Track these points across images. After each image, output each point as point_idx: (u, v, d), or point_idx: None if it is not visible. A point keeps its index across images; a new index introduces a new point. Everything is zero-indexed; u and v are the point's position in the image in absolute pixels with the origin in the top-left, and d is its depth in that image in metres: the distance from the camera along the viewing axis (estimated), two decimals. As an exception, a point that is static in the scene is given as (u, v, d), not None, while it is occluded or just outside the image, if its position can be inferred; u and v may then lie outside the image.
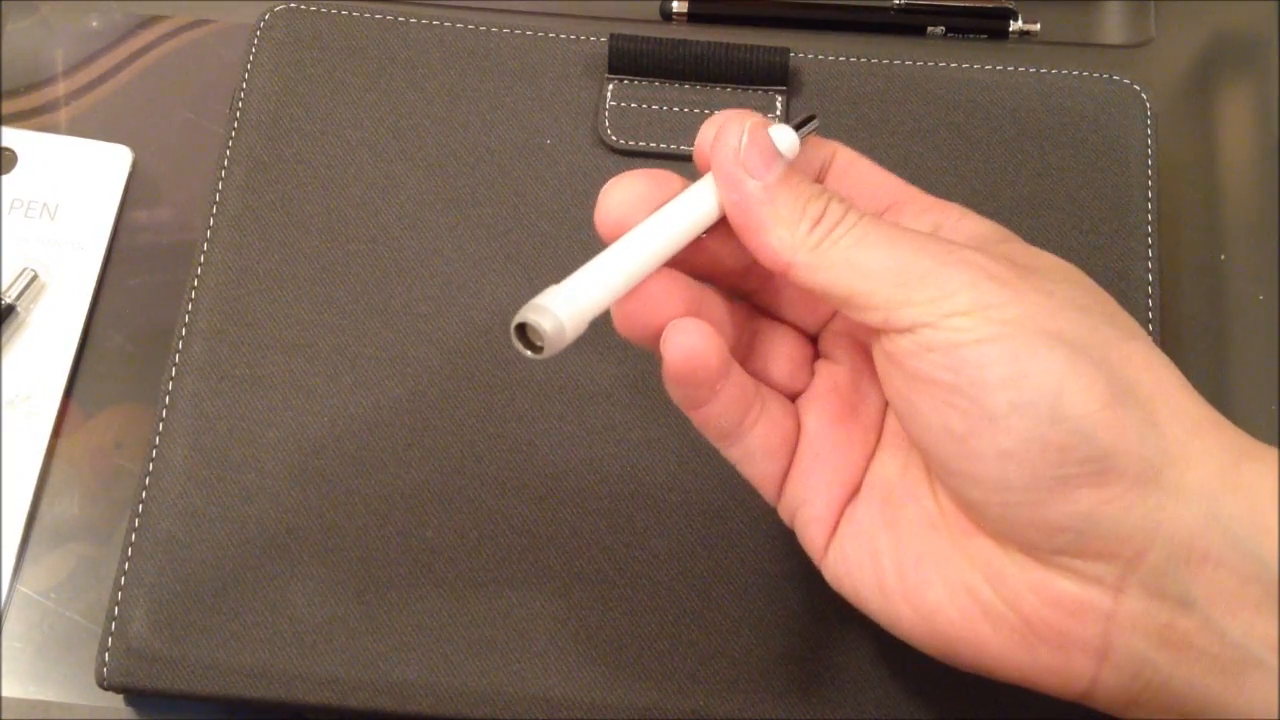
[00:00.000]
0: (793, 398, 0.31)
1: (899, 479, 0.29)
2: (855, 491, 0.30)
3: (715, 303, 0.30)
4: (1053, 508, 0.26)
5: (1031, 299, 0.26)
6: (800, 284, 0.27)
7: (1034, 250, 0.29)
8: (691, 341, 0.27)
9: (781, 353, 0.31)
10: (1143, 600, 0.26)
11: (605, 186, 0.28)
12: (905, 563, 0.29)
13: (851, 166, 0.30)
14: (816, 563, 0.30)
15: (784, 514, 0.31)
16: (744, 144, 0.27)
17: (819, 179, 0.30)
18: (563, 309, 0.26)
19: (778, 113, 0.40)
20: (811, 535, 0.30)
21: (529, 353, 0.26)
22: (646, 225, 0.28)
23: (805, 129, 0.30)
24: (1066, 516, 0.26)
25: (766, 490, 0.30)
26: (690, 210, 0.28)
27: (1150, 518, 0.26)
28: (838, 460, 0.30)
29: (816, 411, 0.30)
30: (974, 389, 0.26)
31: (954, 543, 0.28)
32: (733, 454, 0.30)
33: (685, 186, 0.29)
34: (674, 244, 0.28)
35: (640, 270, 0.27)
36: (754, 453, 0.30)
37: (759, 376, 0.30)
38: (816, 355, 0.31)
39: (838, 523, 0.30)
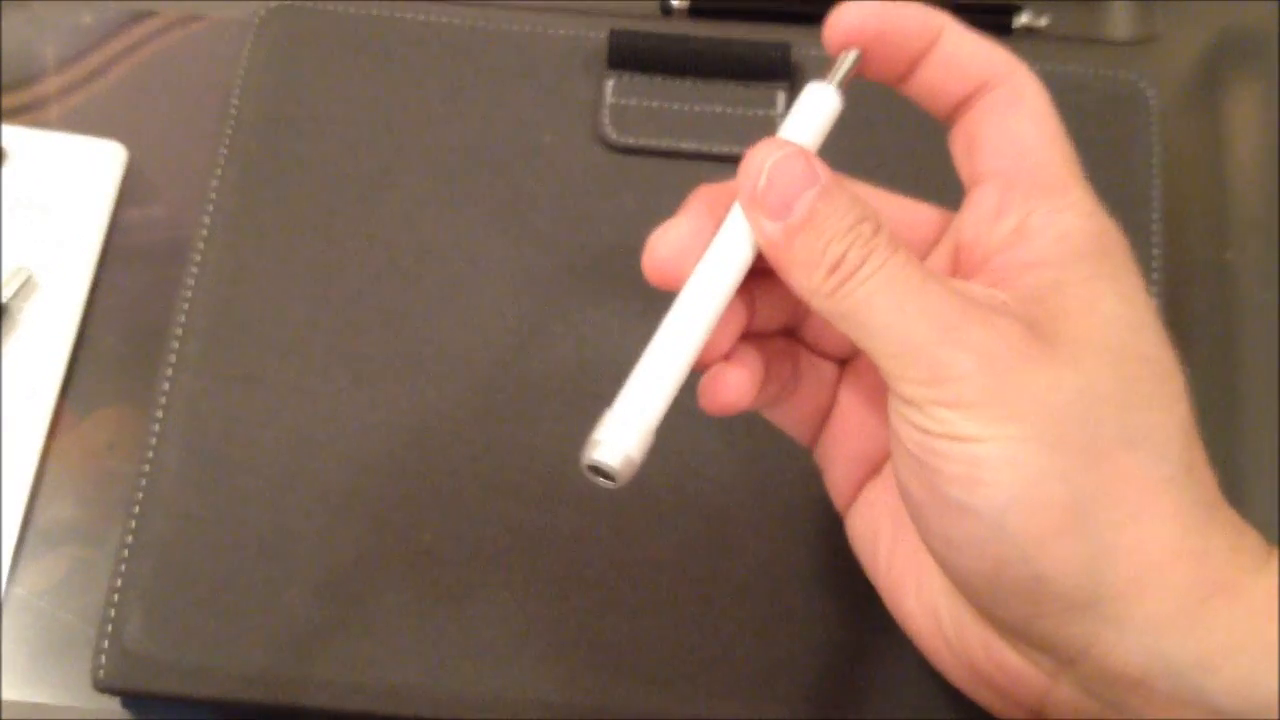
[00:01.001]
0: (844, 361, 0.31)
1: None
2: (877, 470, 0.30)
3: (767, 292, 0.29)
4: (987, 601, 0.26)
5: (1030, 394, 0.24)
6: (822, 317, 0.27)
7: (1101, 287, 0.26)
8: (729, 398, 0.28)
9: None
10: (1075, 692, 0.26)
11: (650, 241, 0.27)
12: (895, 560, 0.29)
13: (1006, 108, 0.28)
14: (841, 515, 0.32)
15: (816, 464, 0.32)
16: (760, 187, 0.26)
17: (957, 92, 0.28)
18: (626, 440, 0.26)
19: (778, 110, 0.40)
20: (834, 496, 0.31)
21: (605, 483, 0.26)
22: (685, 307, 0.27)
23: (844, 72, 0.28)
24: (1000, 612, 0.26)
25: (800, 442, 0.32)
26: (728, 263, 0.27)
27: (1080, 639, 0.25)
28: (862, 438, 0.30)
29: (853, 387, 0.30)
30: (933, 475, 0.25)
31: (937, 568, 0.28)
32: (765, 415, 0.31)
33: (725, 214, 0.28)
34: (720, 309, 0.27)
35: (690, 360, 0.27)
36: (785, 420, 0.31)
37: (810, 343, 0.31)
38: None
39: (856, 495, 0.31)
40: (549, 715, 0.33)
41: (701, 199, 0.28)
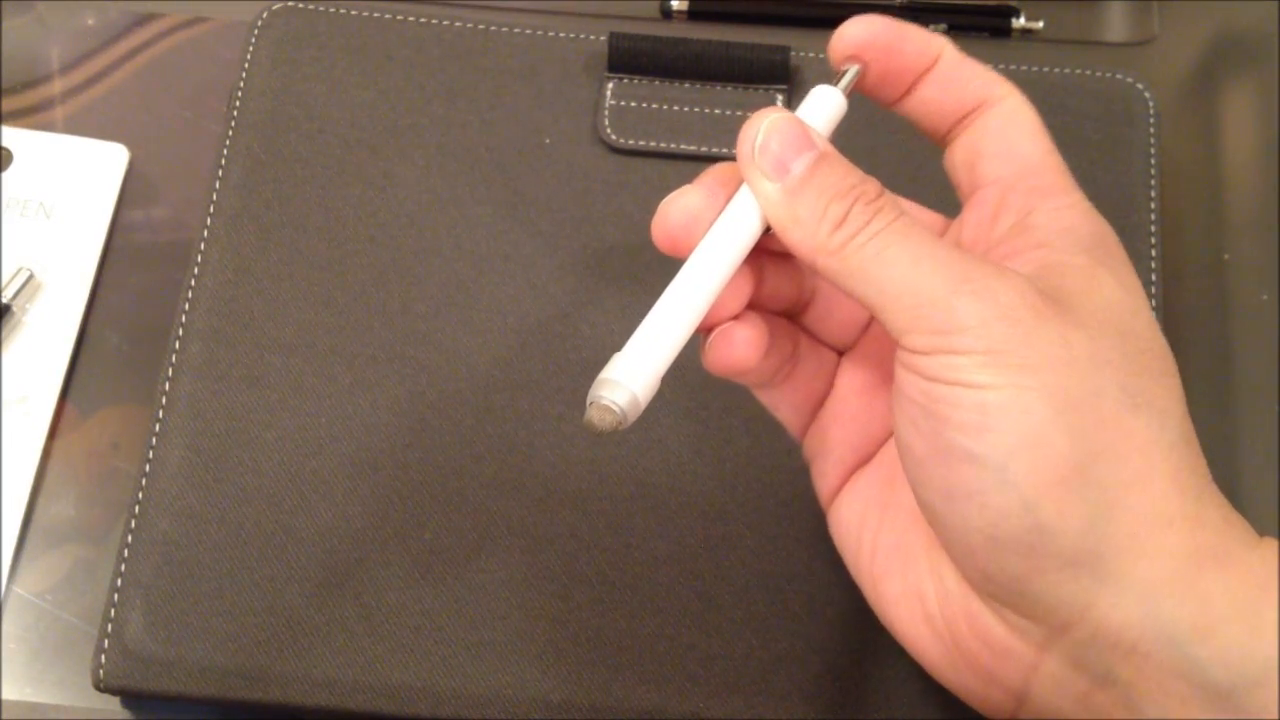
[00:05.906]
0: (843, 352, 0.31)
1: None
2: (867, 460, 0.30)
3: (774, 269, 0.29)
4: (984, 559, 0.26)
5: (1041, 348, 0.25)
6: (827, 280, 0.27)
7: (1101, 274, 0.27)
8: (737, 354, 0.28)
9: (838, 312, 0.31)
10: (1065, 666, 0.26)
11: (661, 207, 0.27)
12: (880, 547, 0.29)
13: (1005, 123, 0.28)
14: (824, 510, 0.31)
15: (804, 457, 0.32)
16: (758, 146, 0.27)
17: (963, 118, 0.29)
18: (634, 381, 0.26)
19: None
20: (820, 488, 0.31)
21: (607, 423, 0.26)
22: (698, 263, 0.27)
23: (847, 83, 0.29)
24: (996, 571, 0.26)
25: (791, 431, 0.32)
26: (739, 227, 0.27)
27: (1078, 599, 0.25)
28: (856, 427, 0.30)
29: (851, 374, 0.31)
30: (938, 423, 0.25)
31: (925, 546, 0.28)
32: (760, 397, 0.31)
33: (738, 188, 0.28)
34: (730, 270, 0.27)
35: (701, 312, 0.27)
36: (780, 403, 0.31)
37: (812, 329, 0.31)
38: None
39: (843, 485, 0.31)
40: (549, 713, 0.33)
41: (714, 174, 0.28)
